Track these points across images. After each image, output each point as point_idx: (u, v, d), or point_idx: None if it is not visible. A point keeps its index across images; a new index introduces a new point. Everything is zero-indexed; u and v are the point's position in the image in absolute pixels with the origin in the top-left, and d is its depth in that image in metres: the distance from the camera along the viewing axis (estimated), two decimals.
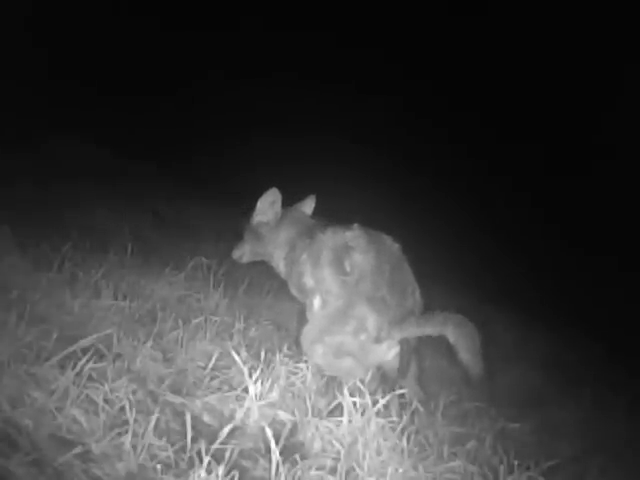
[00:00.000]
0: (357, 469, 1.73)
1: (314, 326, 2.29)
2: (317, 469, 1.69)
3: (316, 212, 2.66)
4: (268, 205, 2.56)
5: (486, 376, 2.25)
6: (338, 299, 2.26)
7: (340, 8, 7.36)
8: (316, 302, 2.35)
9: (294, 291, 2.51)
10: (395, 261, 2.31)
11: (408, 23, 7.39)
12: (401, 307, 2.24)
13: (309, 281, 2.38)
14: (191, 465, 1.53)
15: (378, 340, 2.22)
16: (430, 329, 2.22)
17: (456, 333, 2.18)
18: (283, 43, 7.12)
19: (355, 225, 2.37)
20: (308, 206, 2.66)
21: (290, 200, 2.62)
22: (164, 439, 1.60)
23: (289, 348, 2.35)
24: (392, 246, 2.35)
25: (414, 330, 2.23)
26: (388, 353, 2.27)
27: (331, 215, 2.53)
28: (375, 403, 1.95)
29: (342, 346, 2.23)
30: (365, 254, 2.27)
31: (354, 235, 2.32)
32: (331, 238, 2.35)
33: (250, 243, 2.63)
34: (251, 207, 2.59)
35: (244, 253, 2.66)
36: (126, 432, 1.54)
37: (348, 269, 2.27)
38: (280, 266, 2.56)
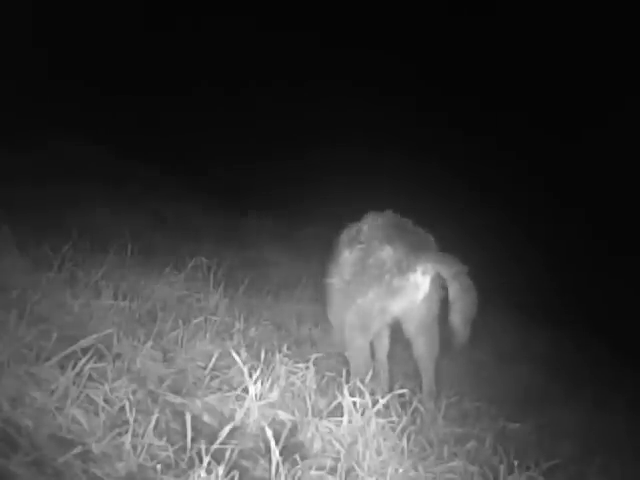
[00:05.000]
0: (357, 469, 1.73)
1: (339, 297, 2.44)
2: (317, 469, 1.69)
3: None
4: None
5: (486, 374, 2.27)
6: (356, 265, 2.38)
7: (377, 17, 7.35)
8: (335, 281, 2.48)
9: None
10: (405, 224, 2.46)
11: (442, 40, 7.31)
12: (415, 242, 2.36)
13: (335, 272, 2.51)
14: (191, 465, 1.53)
15: (401, 271, 2.29)
16: (445, 270, 2.29)
17: (460, 292, 2.26)
18: (279, 45, 7.10)
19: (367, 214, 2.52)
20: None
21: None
22: (164, 439, 1.59)
23: (289, 348, 2.35)
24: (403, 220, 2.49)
25: (432, 263, 2.31)
26: (417, 291, 2.34)
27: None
28: (375, 403, 1.95)
29: (370, 303, 2.33)
30: (373, 222, 2.45)
31: (365, 220, 2.49)
32: (346, 234, 2.52)
33: None
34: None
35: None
36: (126, 432, 1.54)
37: (362, 239, 2.41)
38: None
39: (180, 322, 2.26)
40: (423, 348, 2.45)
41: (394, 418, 2.01)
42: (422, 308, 2.37)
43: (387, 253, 2.32)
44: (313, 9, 7.26)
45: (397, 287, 2.31)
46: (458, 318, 2.27)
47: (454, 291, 2.26)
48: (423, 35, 7.32)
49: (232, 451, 1.59)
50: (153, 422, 1.60)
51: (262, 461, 1.67)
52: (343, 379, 2.21)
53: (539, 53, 7.08)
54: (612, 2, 6.57)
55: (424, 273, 2.32)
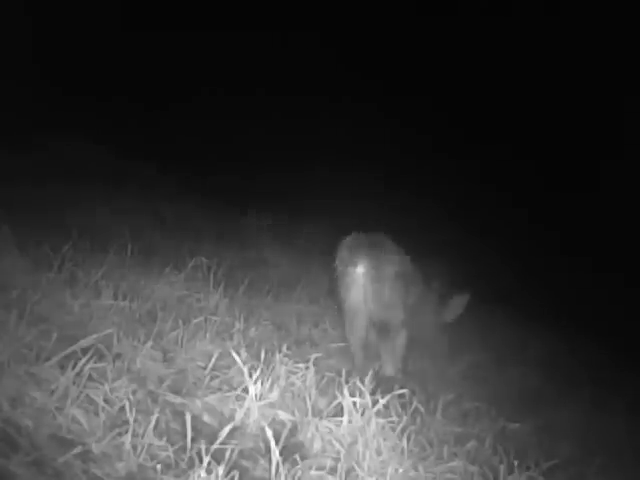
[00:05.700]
0: (357, 469, 1.73)
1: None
2: (317, 469, 1.69)
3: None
4: None
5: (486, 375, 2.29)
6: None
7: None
8: None
9: None
10: (368, 238, 2.64)
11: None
12: (363, 245, 2.58)
13: None
14: (191, 465, 1.54)
15: (344, 269, 2.55)
16: (371, 260, 2.50)
17: (376, 278, 2.54)
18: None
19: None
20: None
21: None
22: (164, 439, 1.60)
23: (289, 348, 2.35)
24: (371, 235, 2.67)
25: (365, 257, 2.52)
26: (359, 285, 2.53)
27: None
28: (375, 403, 1.96)
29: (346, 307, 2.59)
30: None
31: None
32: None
33: None
34: None
35: None
36: (126, 432, 1.54)
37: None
38: None
39: (180, 322, 2.26)
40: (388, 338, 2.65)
41: (394, 418, 2.01)
42: (373, 300, 2.55)
43: (337, 259, 2.60)
44: (315, 18, 7.28)
45: (345, 284, 2.56)
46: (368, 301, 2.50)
47: (370, 277, 2.48)
48: (422, 58, 7.31)
49: (232, 451, 1.59)
50: (153, 422, 1.60)
51: (262, 461, 1.68)
52: (343, 379, 2.20)
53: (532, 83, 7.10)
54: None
55: (362, 267, 2.51)
